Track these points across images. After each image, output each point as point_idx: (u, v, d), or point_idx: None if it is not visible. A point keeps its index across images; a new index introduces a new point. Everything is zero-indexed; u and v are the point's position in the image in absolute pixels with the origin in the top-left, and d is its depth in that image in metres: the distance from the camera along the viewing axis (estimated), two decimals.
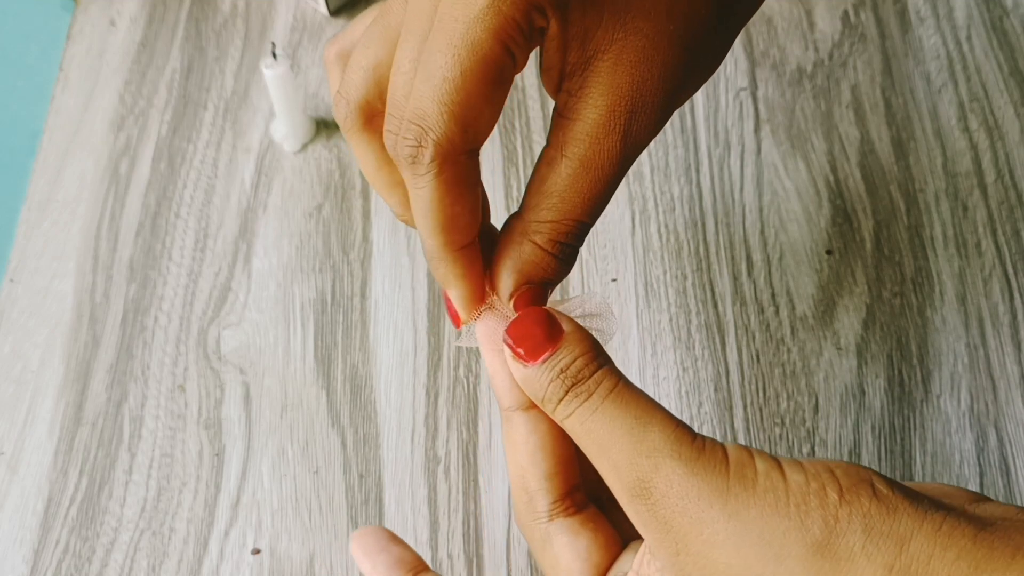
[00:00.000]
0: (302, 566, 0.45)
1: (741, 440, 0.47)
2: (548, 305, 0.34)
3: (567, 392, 0.31)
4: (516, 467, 0.35)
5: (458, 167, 0.31)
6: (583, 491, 0.36)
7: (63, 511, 0.47)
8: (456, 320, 0.35)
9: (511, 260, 0.33)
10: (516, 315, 0.33)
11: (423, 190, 0.32)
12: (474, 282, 0.34)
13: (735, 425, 0.48)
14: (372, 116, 0.34)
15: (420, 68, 0.31)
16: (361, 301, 0.52)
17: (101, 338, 0.52)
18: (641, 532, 0.29)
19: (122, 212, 0.56)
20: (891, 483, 0.27)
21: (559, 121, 0.32)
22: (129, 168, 0.57)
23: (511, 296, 0.33)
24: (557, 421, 0.31)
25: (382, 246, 0.54)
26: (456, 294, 0.34)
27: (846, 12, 0.61)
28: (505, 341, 0.32)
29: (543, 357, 0.31)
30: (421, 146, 0.31)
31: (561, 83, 0.32)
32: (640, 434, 0.29)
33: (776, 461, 0.28)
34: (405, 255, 0.53)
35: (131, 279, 0.53)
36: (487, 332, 0.34)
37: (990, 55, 0.58)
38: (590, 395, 0.30)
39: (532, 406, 0.34)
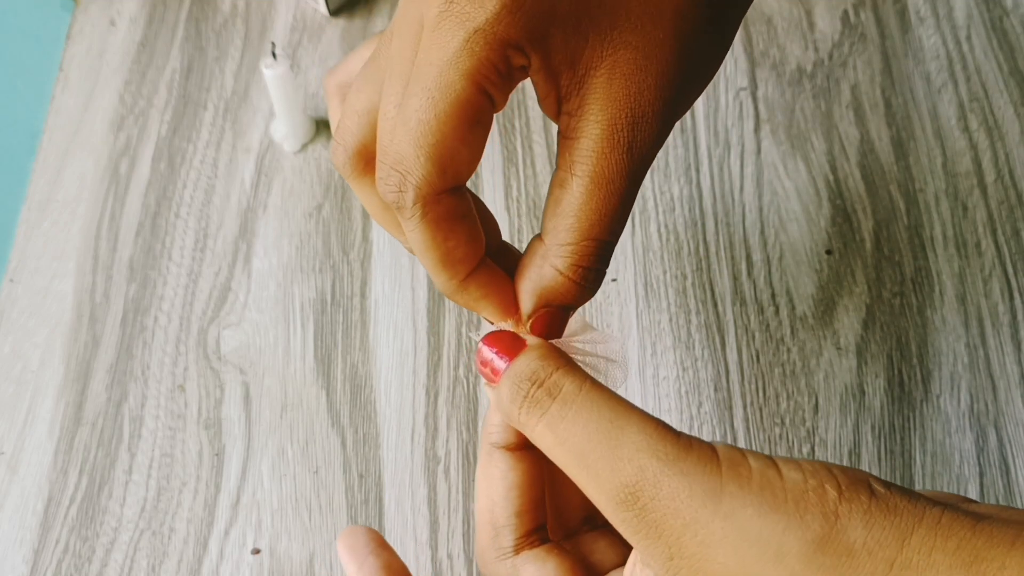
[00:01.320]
0: (302, 566, 0.45)
1: (741, 440, 0.47)
2: (567, 330, 0.34)
3: (525, 398, 0.30)
4: (487, 500, 0.35)
5: (442, 207, 0.31)
6: (546, 531, 0.36)
7: (63, 511, 0.47)
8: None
9: (531, 283, 0.33)
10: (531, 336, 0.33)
11: (414, 232, 0.32)
12: (499, 300, 0.34)
13: (735, 425, 0.48)
14: (370, 159, 0.34)
15: (398, 113, 0.31)
16: (361, 301, 0.52)
17: (101, 338, 0.52)
18: (630, 541, 0.29)
19: (122, 212, 0.56)
20: (888, 483, 0.27)
21: (564, 143, 0.32)
22: (129, 168, 0.57)
23: (529, 319, 0.33)
24: (529, 436, 0.31)
25: (382, 246, 0.54)
26: (486, 314, 0.34)
27: (846, 12, 0.61)
28: (478, 368, 0.32)
29: (503, 371, 0.31)
30: (402, 191, 0.31)
31: (560, 107, 0.32)
32: (618, 436, 0.28)
33: (770, 459, 0.28)
34: (405, 255, 0.53)
35: (131, 279, 0.54)
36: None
37: (990, 55, 0.58)
38: (553, 398, 0.30)
39: (516, 447, 0.34)
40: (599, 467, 0.28)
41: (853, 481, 0.27)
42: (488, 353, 0.32)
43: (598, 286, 0.33)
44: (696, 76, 0.32)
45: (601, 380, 0.32)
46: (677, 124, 0.57)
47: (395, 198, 0.31)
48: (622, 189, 0.31)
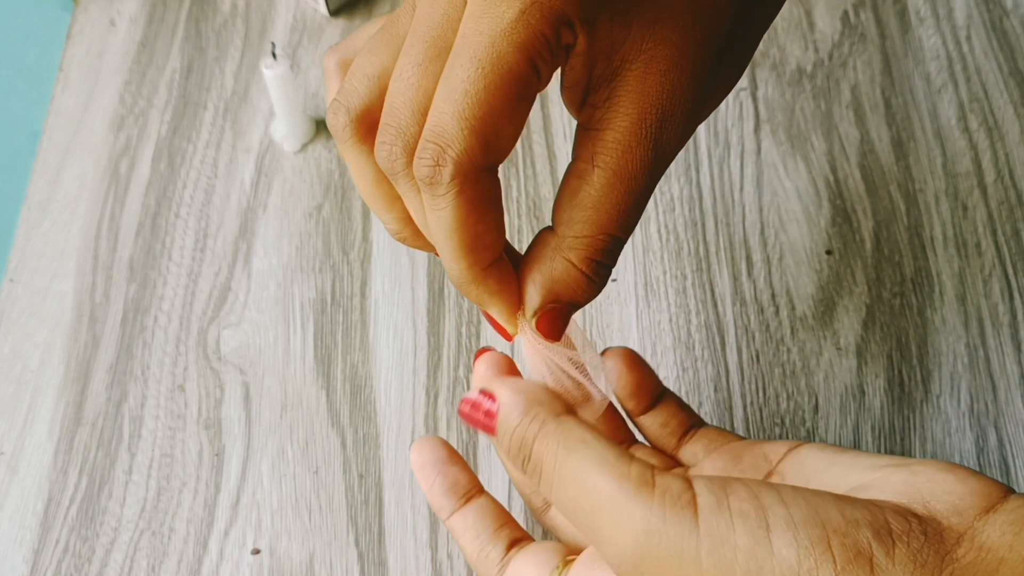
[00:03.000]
0: (302, 566, 0.45)
1: None
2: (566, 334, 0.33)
3: (525, 460, 0.31)
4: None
5: (480, 186, 0.30)
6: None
7: (63, 511, 0.47)
8: (506, 335, 0.34)
9: (541, 276, 0.32)
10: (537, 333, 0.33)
11: (444, 211, 0.30)
12: (511, 297, 0.33)
13: (735, 425, 0.48)
14: (372, 127, 0.32)
15: (441, 84, 0.30)
16: (361, 301, 0.52)
17: (101, 338, 0.52)
18: None
19: (122, 212, 0.56)
20: (895, 539, 0.26)
21: (586, 134, 0.31)
22: (129, 168, 0.57)
23: (535, 314, 0.32)
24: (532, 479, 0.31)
25: (382, 246, 0.54)
26: (497, 311, 0.33)
27: (846, 12, 0.61)
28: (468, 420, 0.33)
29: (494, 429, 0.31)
30: (439, 165, 0.29)
31: (586, 98, 0.31)
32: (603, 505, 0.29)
33: (763, 524, 0.26)
34: (405, 255, 0.53)
35: (131, 279, 0.54)
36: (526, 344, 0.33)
37: (990, 55, 0.58)
38: (540, 472, 0.30)
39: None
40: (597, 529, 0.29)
41: (855, 555, 0.25)
42: (474, 397, 0.32)
43: (604, 285, 0.33)
44: (724, 80, 0.32)
45: (581, 403, 0.33)
46: None
47: (429, 172, 0.30)
48: (643, 185, 0.31)
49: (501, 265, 0.32)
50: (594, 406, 0.34)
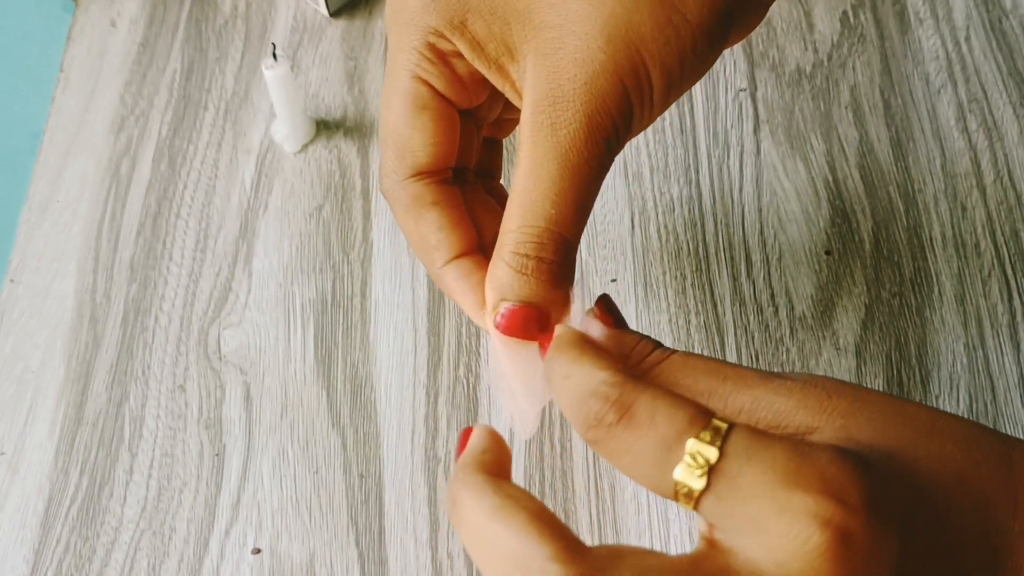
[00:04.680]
0: (302, 566, 0.45)
1: None
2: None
3: (655, 347, 0.30)
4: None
5: (407, 192, 0.34)
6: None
7: (64, 511, 0.47)
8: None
9: (489, 276, 0.32)
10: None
11: (396, 219, 0.35)
12: (473, 295, 0.34)
13: None
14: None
15: None
16: (361, 301, 0.52)
17: (102, 338, 0.52)
18: (777, 406, 0.27)
19: (123, 212, 0.56)
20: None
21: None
22: (130, 169, 0.57)
23: (492, 313, 0.32)
24: (642, 373, 0.30)
25: (382, 246, 0.54)
26: (465, 307, 0.35)
27: (845, 13, 0.61)
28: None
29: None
30: (383, 186, 0.35)
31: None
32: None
33: None
34: (405, 255, 0.54)
35: (132, 279, 0.54)
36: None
37: (989, 56, 0.58)
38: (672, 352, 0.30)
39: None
40: (735, 368, 0.29)
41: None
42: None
43: (555, 284, 0.32)
44: (638, 49, 0.30)
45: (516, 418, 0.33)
46: (677, 125, 0.57)
47: (384, 191, 0.35)
48: (553, 173, 0.31)
49: (466, 264, 0.34)
50: (523, 428, 0.35)
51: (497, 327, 0.32)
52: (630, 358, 0.30)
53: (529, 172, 0.31)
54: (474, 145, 0.37)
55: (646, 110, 0.31)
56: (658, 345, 0.30)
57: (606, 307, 0.32)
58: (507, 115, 0.39)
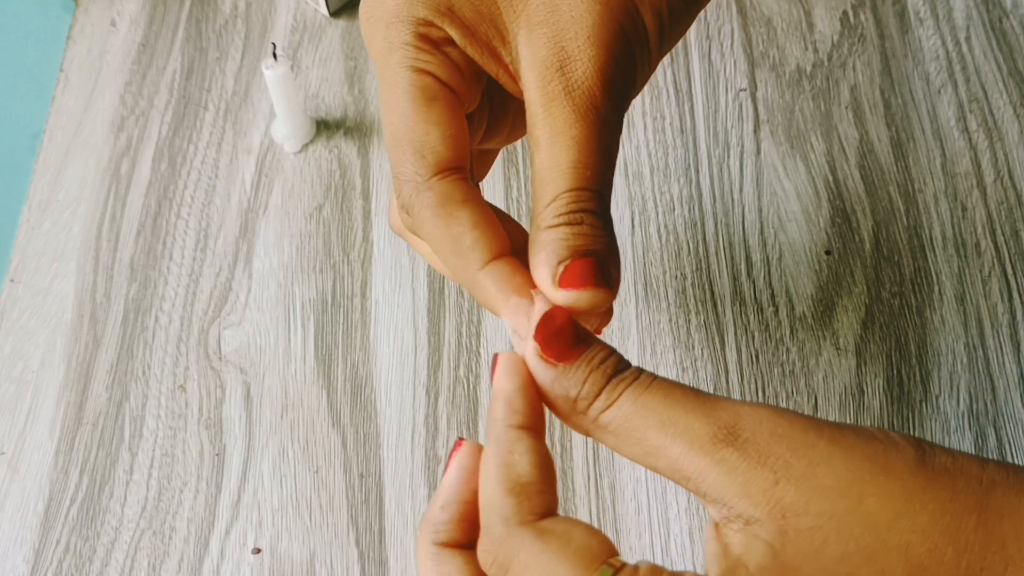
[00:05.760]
0: (302, 565, 0.45)
1: None
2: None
3: (608, 380, 0.29)
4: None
5: (435, 191, 0.32)
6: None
7: (64, 510, 0.47)
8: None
9: (535, 249, 0.31)
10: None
11: (423, 229, 0.32)
12: (512, 301, 0.31)
13: None
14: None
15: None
16: (361, 301, 0.52)
17: (102, 338, 0.52)
18: (720, 489, 0.27)
19: (123, 212, 0.56)
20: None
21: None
22: (130, 168, 0.57)
23: (555, 279, 0.30)
24: (591, 421, 0.29)
25: (382, 246, 0.54)
26: (488, 302, 0.32)
27: (845, 13, 0.61)
28: (537, 339, 0.30)
29: (579, 354, 0.29)
30: (402, 193, 0.32)
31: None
32: (705, 396, 0.28)
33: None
34: (405, 255, 0.54)
35: (132, 279, 0.54)
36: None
37: (989, 56, 0.58)
38: (635, 379, 0.29)
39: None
40: (689, 420, 0.27)
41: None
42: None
43: (600, 230, 0.31)
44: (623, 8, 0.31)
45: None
46: (677, 125, 0.57)
47: (405, 203, 0.32)
48: (578, 135, 0.30)
49: (502, 267, 0.32)
50: None
51: (560, 283, 0.30)
52: (576, 404, 0.29)
53: (552, 143, 0.30)
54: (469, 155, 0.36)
55: (644, 56, 0.32)
56: (620, 362, 0.29)
57: (544, 340, 0.30)
58: (484, 145, 0.38)
